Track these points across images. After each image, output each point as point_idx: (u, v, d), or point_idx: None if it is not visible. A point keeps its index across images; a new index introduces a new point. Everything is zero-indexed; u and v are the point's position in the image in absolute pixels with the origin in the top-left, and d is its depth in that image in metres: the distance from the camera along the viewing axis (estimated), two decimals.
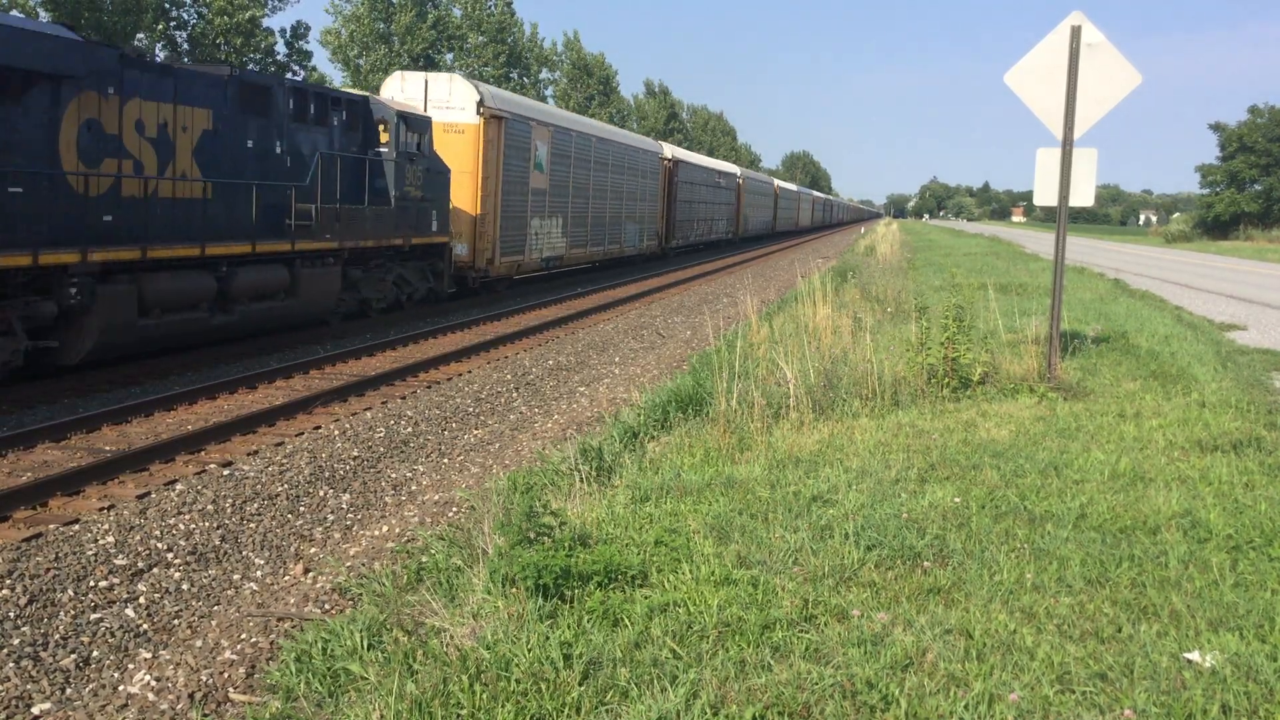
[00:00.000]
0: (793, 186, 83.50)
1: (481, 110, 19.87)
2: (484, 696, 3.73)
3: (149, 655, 5.10)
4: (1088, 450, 7.20)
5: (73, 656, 5.00)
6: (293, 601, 5.73)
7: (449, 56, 50.57)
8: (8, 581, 5.63)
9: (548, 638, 4.07)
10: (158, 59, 22.11)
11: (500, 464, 8.72)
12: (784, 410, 8.43)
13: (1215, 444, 7.35)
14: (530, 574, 4.52)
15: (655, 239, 35.69)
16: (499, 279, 21.79)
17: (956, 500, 5.96)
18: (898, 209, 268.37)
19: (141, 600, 5.68)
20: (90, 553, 6.14)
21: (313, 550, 6.70)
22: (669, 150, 38.62)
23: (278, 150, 13.83)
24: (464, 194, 19.71)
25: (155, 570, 6.08)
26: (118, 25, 31.61)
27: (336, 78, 47.09)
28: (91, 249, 10.50)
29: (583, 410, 10.97)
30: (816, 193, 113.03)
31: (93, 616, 5.43)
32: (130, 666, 4.98)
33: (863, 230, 71.96)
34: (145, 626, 5.40)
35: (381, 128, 16.49)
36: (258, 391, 11.15)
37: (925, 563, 4.98)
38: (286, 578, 6.19)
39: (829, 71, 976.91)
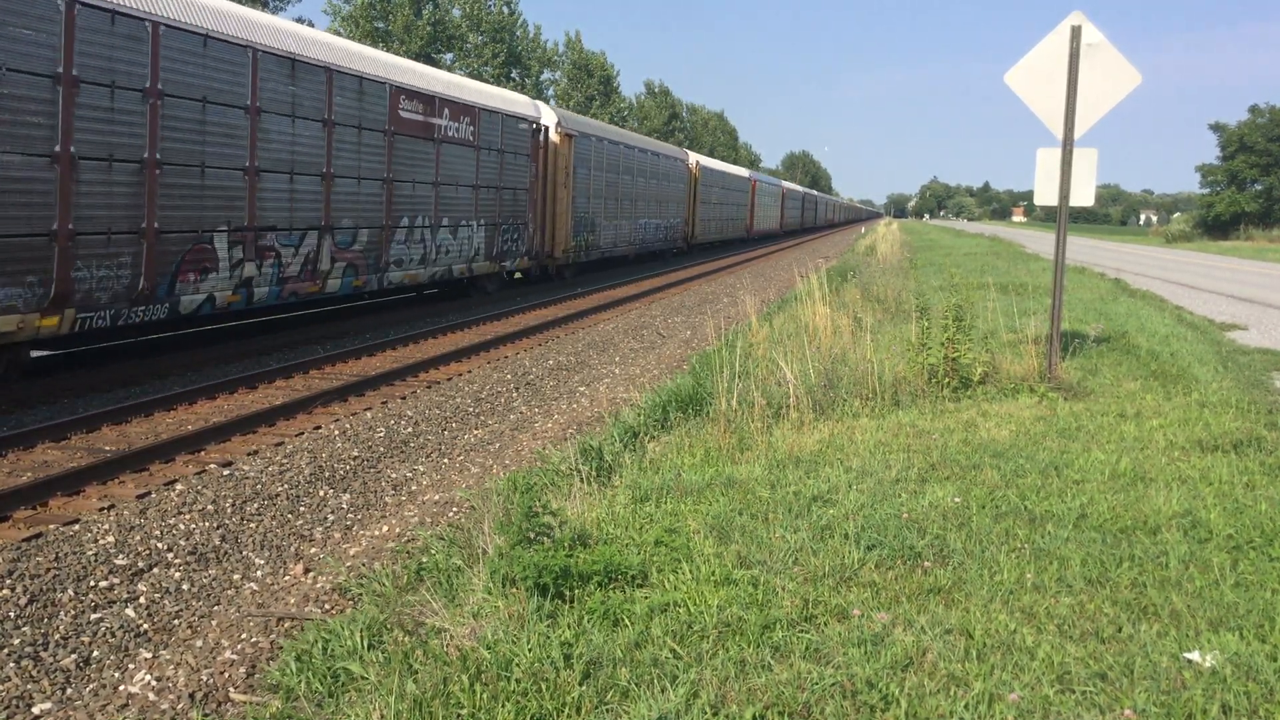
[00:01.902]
0: (743, 172, 55.86)
1: None
2: (484, 696, 3.73)
3: (149, 655, 5.10)
4: (1088, 450, 7.20)
5: (73, 656, 5.00)
6: (293, 601, 5.73)
7: (448, 56, 50.60)
8: (8, 581, 5.63)
9: (548, 638, 4.07)
10: None
11: (500, 464, 8.72)
12: (784, 410, 8.43)
13: (1216, 444, 7.35)
14: (530, 574, 4.52)
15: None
16: None
17: (957, 500, 5.96)
18: (898, 209, 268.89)
19: (142, 600, 5.68)
20: (90, 553, 6.14)
21: (313, 550, 6.70)
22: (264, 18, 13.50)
23: None
24: None
25: (155, 570, 6.08)
26: None
27: None
28: None
29: (583, 410, 10.97)
30: (789, 184, 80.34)
31: (93, 616, 5.43)
32: (130, 666, 4.98)
33: (863, 230, 71.89)
34: (145, 626, 5.40)
35: None
36: (257, 391, 11.14)
37: (925, 563, 4.98)
38: (286, 578, 6.18)
39: (829, 71, 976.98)
